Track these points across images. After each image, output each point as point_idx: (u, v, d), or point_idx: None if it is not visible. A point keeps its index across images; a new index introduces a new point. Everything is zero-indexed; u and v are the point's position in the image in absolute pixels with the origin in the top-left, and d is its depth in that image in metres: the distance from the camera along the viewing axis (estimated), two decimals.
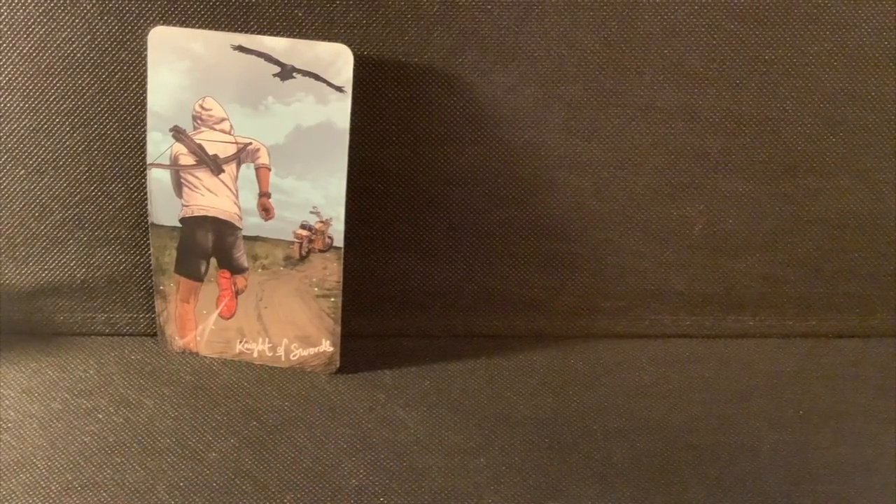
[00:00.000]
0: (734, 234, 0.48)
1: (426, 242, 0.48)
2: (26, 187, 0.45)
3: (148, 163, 0.44)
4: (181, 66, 0.42)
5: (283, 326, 0.46)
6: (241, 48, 0.41)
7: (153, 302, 0.47)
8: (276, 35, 0.42)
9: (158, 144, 0.43)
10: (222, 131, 0.43)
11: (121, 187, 0.45)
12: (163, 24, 0.41)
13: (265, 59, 0.41)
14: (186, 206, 0.44)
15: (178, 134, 0.43)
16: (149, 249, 0.46)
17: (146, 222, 0.45)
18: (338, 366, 0.46)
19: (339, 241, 0.44)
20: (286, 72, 0.41)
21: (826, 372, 0.49)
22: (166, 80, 0.42)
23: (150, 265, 0.46)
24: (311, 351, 0.46)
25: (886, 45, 0.44)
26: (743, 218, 0.48)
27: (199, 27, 0.42)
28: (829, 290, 0.50)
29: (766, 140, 0.46)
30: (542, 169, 0.46)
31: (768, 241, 0.48)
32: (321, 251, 0.44)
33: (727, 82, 0.44)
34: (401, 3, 0.42)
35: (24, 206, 0.45)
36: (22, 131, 0.44)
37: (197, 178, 0.44)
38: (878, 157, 0.46)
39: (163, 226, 0.45)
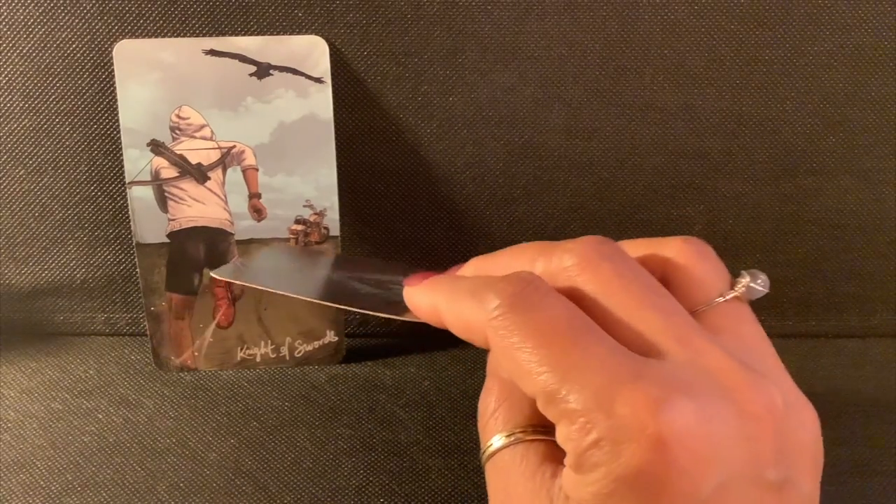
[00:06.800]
0: (734, 234, 0.48)
1: (426, 242, 0.48)
2: (26, 187, 0.45)
3: (127, 182, 0.43)
4: (152, 78, 0.41)
5: (286, 325, 0.46)
6: (212, 52, 0.41)
7: None
8: (277, 35, 0.42)
9: (136, 161, 0.42)
10: (203, 138, 0.42)
11: (121, 187, 0.45)
12: (129, 38, 0.41)
13: (239, 60, 0.41)
14: (173, 219, 0.43)
15: (156, 147, 0.42)
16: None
17: None
18: (344, 354, 0.46)
19: (335, 230, 0.44)
20: (262, 70, 0.41)
21: (826, 372, 0.49)
22: (137, 94, 0.41)
23: None
24: (316, 344, 0.46)
25: (886, 45, 0.44)
26: (743, 218, 0.48)
27: (198, 27, 0.42)
28: (829, 290, 0.50)
29: (766, 140, 0.46)
30: (542, 169, 0.46)
31: (768, 241, 0.48)
32: (318, 243, 0.44)
33: (727, 82, 0.44)
34: (401, 3, 0.42)
35: (24, 206, 0.45)
36: (22, 131, 0.44)
37: (182, 189, 0.43)
38: (878, 157, 0.46)
39: (149, 244, 0.43)
